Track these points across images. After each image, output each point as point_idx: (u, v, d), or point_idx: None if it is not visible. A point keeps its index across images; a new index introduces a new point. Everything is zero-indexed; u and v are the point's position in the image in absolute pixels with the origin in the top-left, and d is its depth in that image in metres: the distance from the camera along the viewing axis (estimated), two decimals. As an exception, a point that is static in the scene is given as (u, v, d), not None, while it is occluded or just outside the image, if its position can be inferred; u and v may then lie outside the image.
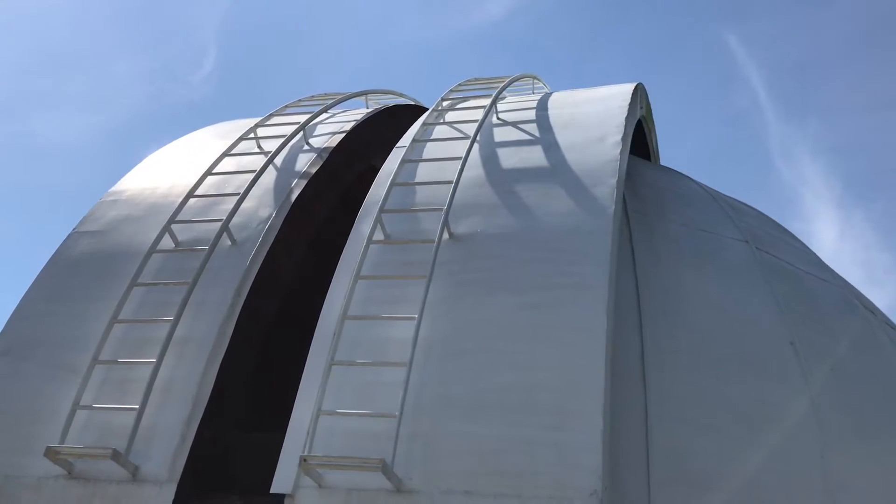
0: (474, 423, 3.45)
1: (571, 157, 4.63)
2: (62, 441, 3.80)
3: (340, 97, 6.24)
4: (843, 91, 22.76)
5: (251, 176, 5.02)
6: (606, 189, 4.28)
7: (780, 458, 4.04)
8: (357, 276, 4.03)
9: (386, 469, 3.26)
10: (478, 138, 4.97)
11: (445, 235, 4.18)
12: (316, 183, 5.23)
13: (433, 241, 4.04)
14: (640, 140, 8.05)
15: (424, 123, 5.25)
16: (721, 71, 23.74)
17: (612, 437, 3.77)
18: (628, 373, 4.15)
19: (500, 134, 5.07)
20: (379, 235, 4.29)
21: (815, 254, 6.23)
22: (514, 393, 3.51)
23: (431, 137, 5.17)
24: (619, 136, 4.71)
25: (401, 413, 3.44)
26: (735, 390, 4.23)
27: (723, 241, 5.25)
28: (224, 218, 4.59)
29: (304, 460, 3.36)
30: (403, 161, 4.77)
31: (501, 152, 4.84)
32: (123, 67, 22.10)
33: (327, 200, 5.29)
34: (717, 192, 6.52)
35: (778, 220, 6.59)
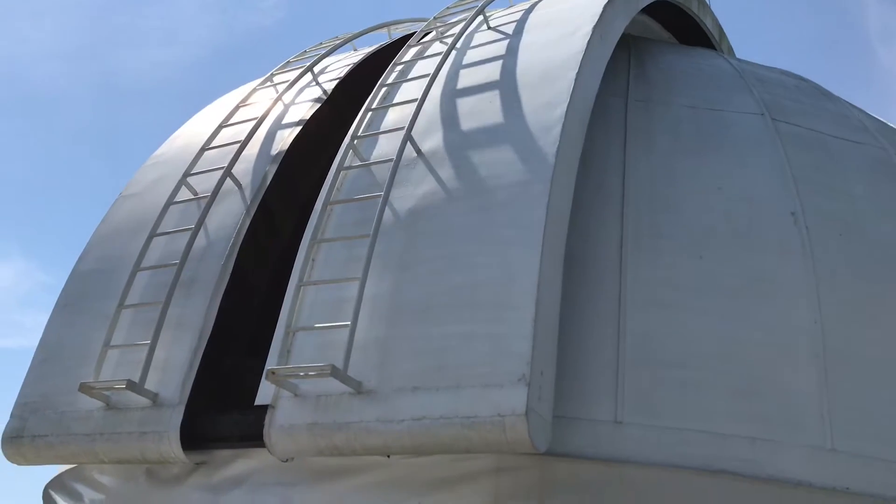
0: (423, 325, 3.63)
1: (541, 55, 4.58)
2: (96, 378, 4.36)
3: (350, 36, 6.40)
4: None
5: (260, 123, 5.37)
6: (564, 83, 4.22)
7: (766, 331, 3.94)
8: (326, 203, 4.27)
9: (337, 373, 3.52)
10: (457, 46, 5.02)
11: (413, 153, 4.31)
12: (322, 121, 5.47)
13: (394, 161, 4.19)
14: (695, 29, 7.71)
15: (409, 45, 5.34)
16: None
17: (575, 324, 3.87)
18: (604, 262, 4.16)
19: (481, 41, 5.07)
20: (355, 161, 4.49)
21: (871, 118, 5.78)
22: (459, 293, 3.64)
23: (423, 55, 5.25)
24: (589, 27, 4.59)
25: (354, 322, 3.67)
26: (719, 267, 4.13)
27: (730, 118, 5.02)
28: (225, 166, 4.96)
29: (273, 373, 3.69)
30: (381, 85, 4.92)
31: (476, 61, 4.85)
32: None
33: (335, 137, 5.51)
34: (756, 66, 6.17)
35: (877, 110, 6.10)
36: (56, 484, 5.17)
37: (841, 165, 4.81)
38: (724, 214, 4.34)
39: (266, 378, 3.69)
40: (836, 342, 3.89)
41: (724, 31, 8.18)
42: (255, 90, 5.90)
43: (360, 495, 3.73)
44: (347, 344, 3.62)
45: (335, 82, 5.76)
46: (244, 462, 4.07)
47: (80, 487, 4.92)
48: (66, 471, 5.16)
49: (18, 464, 4.68)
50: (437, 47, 5.27)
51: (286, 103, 5.68)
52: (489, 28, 5.26)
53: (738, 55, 8.15)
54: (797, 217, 4.32)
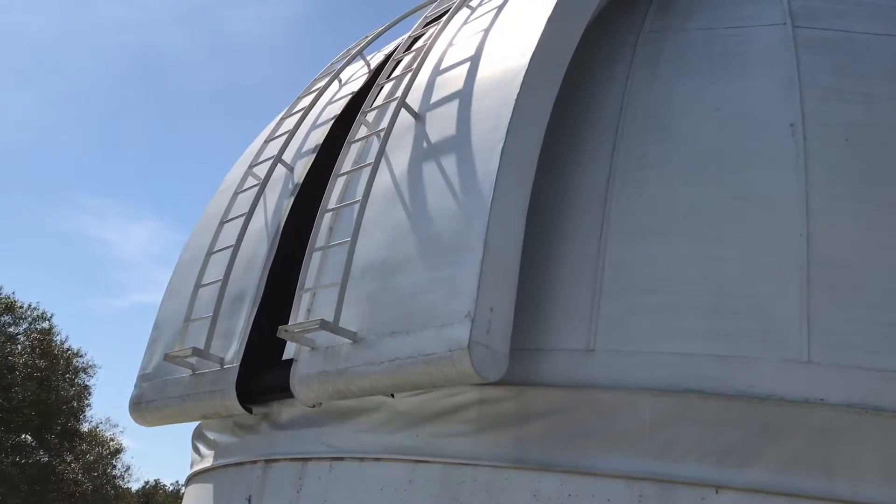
0: (401, 275, 3.99)
1: (526, 5, 4.72)
2: (179, 348, 5.16)
3: (400, 17, 6.74)
4: None
5: (313, 110, 5.93)
6: (535, 30, 4.34)
7: (747, 249, 3.89)
8: (336, 174, 4.73)
9: (327, 325, 3.99)
10: (471, 4, 5.25)
11: (411, 120, 4.64)
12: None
13: (385, 129, 4.56)
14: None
15: (426, 16, 5.63)
16: None
17: (556, 261, 4.07)
18: (590, 197, 4.27)
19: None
20: (365, 131, 4.91)
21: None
22: (430, 243, 3.95)
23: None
24: (571, -30, 4.65)
25: (343, 281, 4.11)
26: (704, 191, 4.11)
27: (747, 33, 4.83)
28: (276, 154, 5.57)
29: (285, 330, 4.24)
30: (394, 58, 5.27)
31: (478, 16, 5.05)
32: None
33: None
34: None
35: None
36: (192, 440, 6.14)
37: (865, 66, 4.50)
38: (717, 136, 4.28)
39: (278, 335, 4.24)
40: (823, 252, 3.76)
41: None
42: (315, 80, 6.47)
43: (372, 431, 4.20)
44: (338, 300, 4.08)
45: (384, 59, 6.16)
46: (290, 409, 4.68)
47: (198, 442, 5.82)
48: (194, 430, 6.10)
49: (141, 425, 5.63)
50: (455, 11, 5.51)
51: (341, 84, 6.19)
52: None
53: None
54: (795, 128, 4.16)
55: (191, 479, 5.98)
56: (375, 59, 6.40)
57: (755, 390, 3.54)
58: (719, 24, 5.01)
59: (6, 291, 26.08)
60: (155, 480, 40.14)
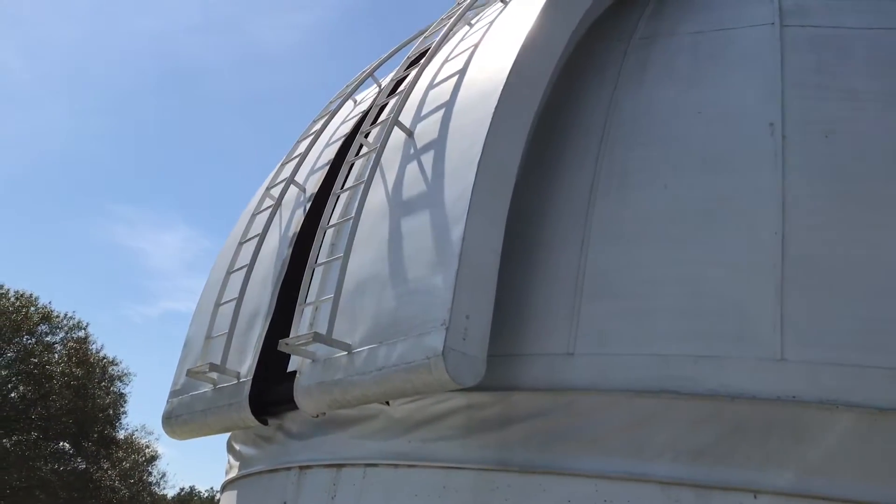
0: (388, 288, 4.16)
1: (508, 23, 4.85)
2: (201, 364, 5.43)
3: (399, 45, 6.91)
4: None
5: (326, 131, 6.17)
6: (513, 48, 4.47)
7: (723, 250, 3.94)
8: (335, 192, 4.94)
9: (320, 338, 4.18)
10: (471, 22, 5.41)
11: (403, 138, 4.82)
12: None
13: (377, 149, 4.75)
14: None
15: (425, 35, 5.80)
16: None
17: (539, 269, 4.18)
18: (573, 205, 4.37)
19: (485, 14, 5.41)
20: (365, 149, 5.11)
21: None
22: (413, 255, 4.11)
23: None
24: (548, -10, 4.76)
25: (336, 295, 4.30)
26: (683, 194, 4.16)
27: (734, 35, 4.86)
28: (289, 175, 5.82)
29: (286, 343, 4.45)
30: (394, 79, 5.46)
31: (471, 33, 5.21)
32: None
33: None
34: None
35: None
36: (227, 450, 6.42)
37: (851, 61, 4.48)
38: (698, 139, 4.33)
39: (279, 348, 4.45)
40: (797, 250, 3.78)
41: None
42: (330, 102, 6.72)
43: (369, 437, 4.38)
44: (331, 313, 4.27)
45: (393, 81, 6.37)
46: (301, 419, 4.88)
47: (229, 452, 6.09)
48: (227, 440, 6.39)
49: (173, 439, 5.92)
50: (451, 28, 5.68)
51: (356, 104, 6.42)
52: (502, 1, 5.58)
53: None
54: (775, 127, 4.18)
55: (225, 487, 6.26)
56: (387, 79, 6.61)
57: (727, 389, 3.57)
58: (709, 27, 5.05)
59: (43, 301, 27.05)
60: (190, 487, 40.73)
